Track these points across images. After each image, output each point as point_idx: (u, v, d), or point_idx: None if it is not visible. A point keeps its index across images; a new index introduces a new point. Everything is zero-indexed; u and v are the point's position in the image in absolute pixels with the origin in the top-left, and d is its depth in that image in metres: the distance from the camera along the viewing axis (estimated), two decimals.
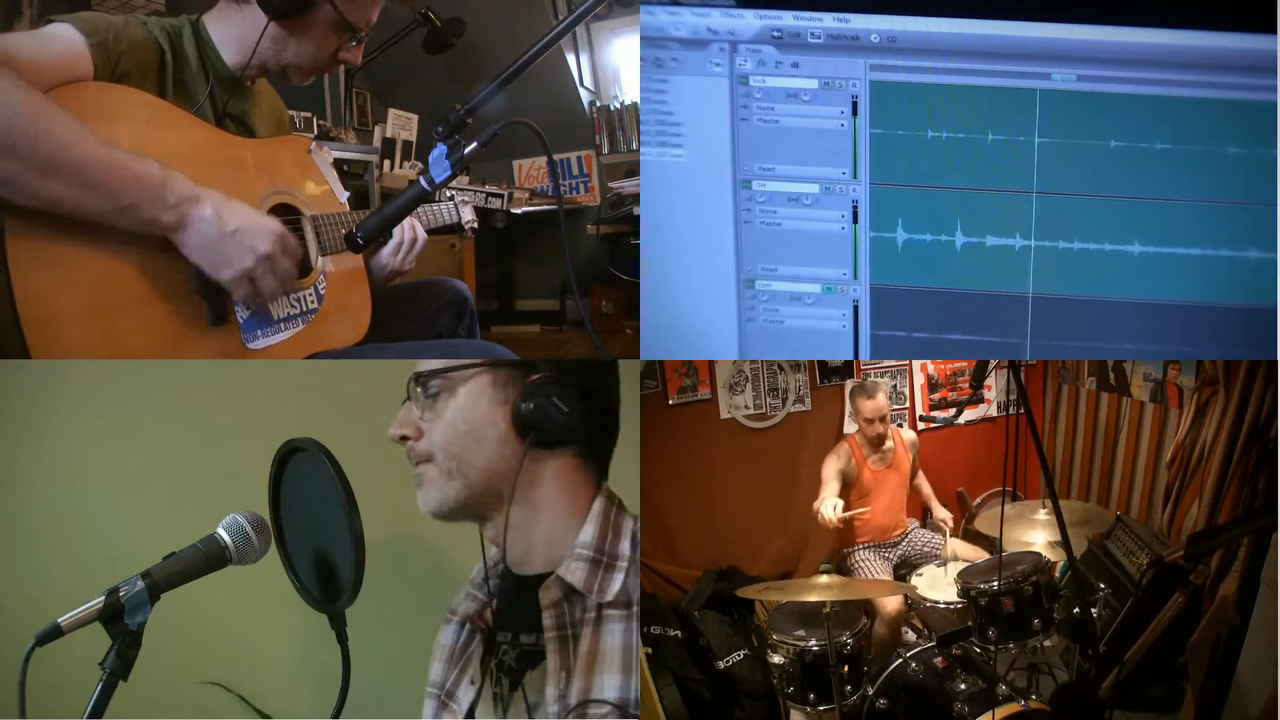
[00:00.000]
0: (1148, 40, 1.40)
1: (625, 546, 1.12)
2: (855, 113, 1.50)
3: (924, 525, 3.13)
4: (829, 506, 2.54)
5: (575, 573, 1.09)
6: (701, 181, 1.57)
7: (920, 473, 3.07)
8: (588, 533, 1.11)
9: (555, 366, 1.13)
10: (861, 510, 2.75)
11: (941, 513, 2.97)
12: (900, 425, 3.17)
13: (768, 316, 1.62)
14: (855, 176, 1.53)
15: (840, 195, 1.54)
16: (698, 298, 1.64)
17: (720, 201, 1.57)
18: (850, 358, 1.82)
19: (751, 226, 1.58)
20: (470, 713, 1.16)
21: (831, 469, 2.78)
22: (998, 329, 1.58)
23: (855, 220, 1.55)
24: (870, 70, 1.48)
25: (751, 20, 1.48)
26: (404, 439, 1.13)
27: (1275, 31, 1.36)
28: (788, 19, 1.47)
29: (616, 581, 1.09)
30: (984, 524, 2.83)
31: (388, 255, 1.80)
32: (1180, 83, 1.41)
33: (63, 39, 1.32)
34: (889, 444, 2.88)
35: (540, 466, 1.12)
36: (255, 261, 1.34)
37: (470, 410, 1.11)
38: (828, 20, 1.46)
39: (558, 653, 1.07)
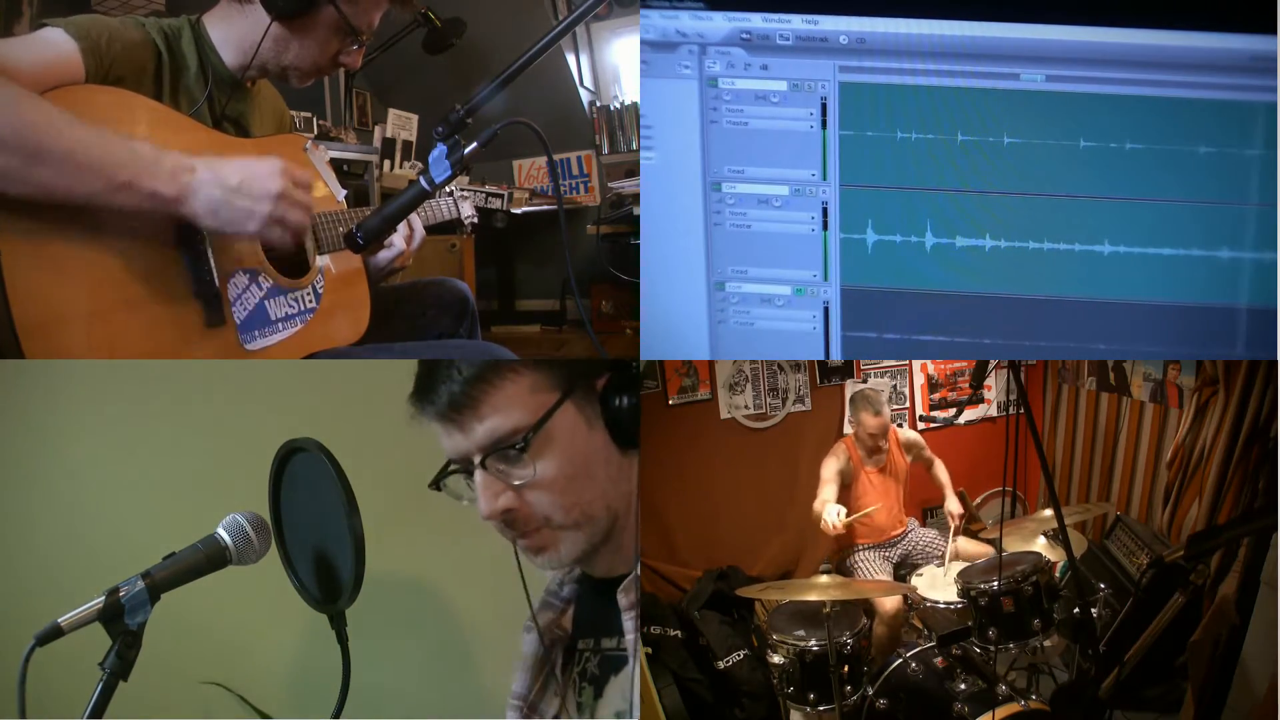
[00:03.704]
0: (1117, 40, 1.40)
1: None
2: (824, 114, 1.50)
3: (925, 524, 3.13)
4: (831, 513, 2.48)
5: None
6: (672, 183, 1.57)
7: (938, 461, 3.02)
8: None
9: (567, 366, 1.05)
10: (868, 510, 2.70)
11: (952, 505, 2.89)
12: (900, 425, 3.17)
13: (738, 319, 1.62)
14: (825, 178, 1.53)
15: (810, 197, 1.54)
16: (671, 299, 1.64)
17: (691, 204, 1.57)
18: (821, 358, 1.81)
19: (721, 229, 1.57)
20: None
21: (831, 469, 2.77)
22: (969, 330, 1.58)
23: (825, 222, 1.55)
24: (839, 72, 1.48)
25: (720, 23, 1.47)
26: (506, 513, 0.99)
27: (1246, 31, 1.36)
28: (756, 21, 1.47)
29: None
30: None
31: (385, 253, 1.80)
32: (1151, 83, 1.41)
33: (53, 43, 1.32)
34: (885, 445, 2.88)
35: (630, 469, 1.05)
36: (273, 204, 1.32)
37: (572, 447, 0.99)
38: (796, 22, 1.46)
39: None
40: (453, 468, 1.02)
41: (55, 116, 1.20)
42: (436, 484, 1.02)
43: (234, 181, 1.30)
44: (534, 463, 0.97)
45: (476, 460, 0.98)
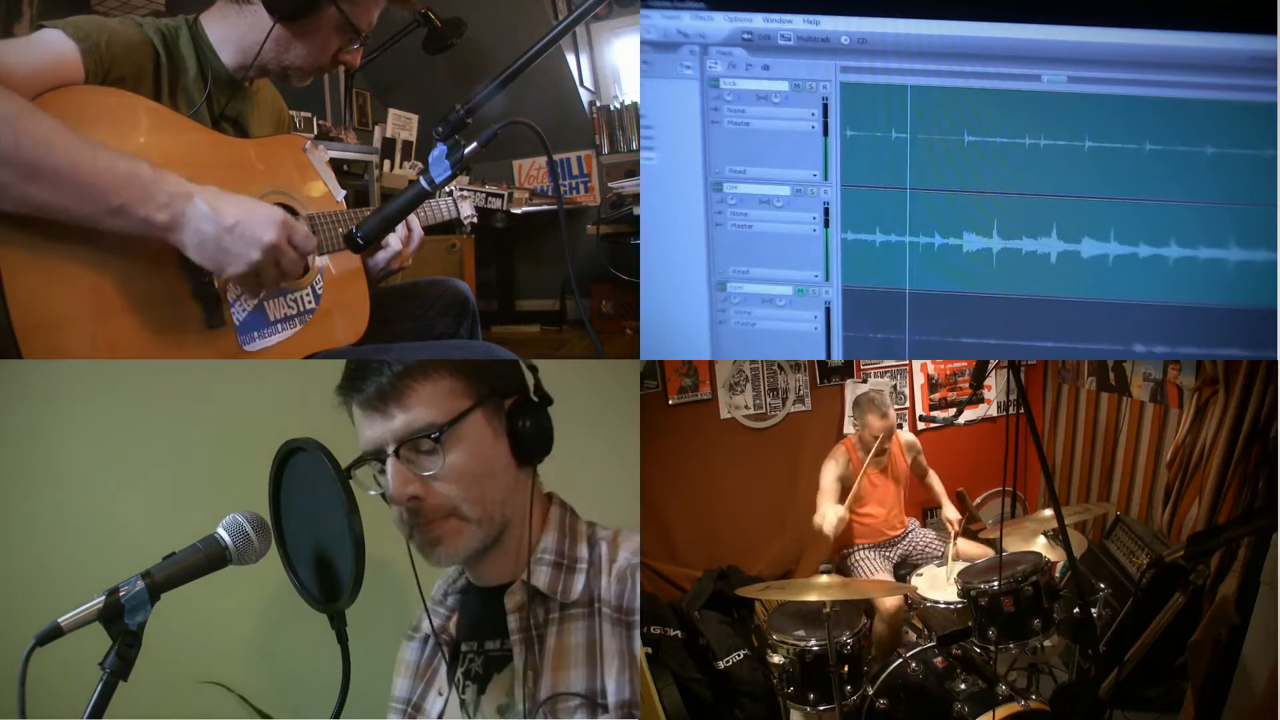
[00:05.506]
0: (1118, 41, 1.40)
1: (583, 550, 1.18)
2: (826, 115, 1.50)
3: (925, 525, 3.13)
4: (831, 515, 2.47)
5: (541, 576, 1.14)
6: (673, 183, 1.57)
7: (931, 471, 3.05)
8: (550, 539, 1.18)
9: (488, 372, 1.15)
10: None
11: (950, 512, 2.92)
12: (900, 426, 3.17)
13: (739, 319, 1.62)
14: (826, 178, 1.53)
15: (811, 197, 1.55)
16: (671, 299, 1.64)
17: (691, 204, 1.58)
18: (822, 358, 1.82)
19: (723, 229, 1.58)
20: None
21: (830, 476, 2.77)
22: (969, 330, 1.58)
23: (826, 222, 1.55)
24: (841, 72, 1.48)
25: (722, 23, 1.48)
26: (413, 500, 1.08)
27: (1246, 31, 1.36)
28: (758, 21, 1.47)
29: (579, 582, 1.15)
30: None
31: (382, 254, 1.80)
32: (1153, 83, 1.42)
33: (51, 45, 1.31)
34: (888, 446, 2.88)
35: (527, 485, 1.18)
36: (261, 254, 1.30)
37: (478, 450, 1.11)
38: (798, 22, 1.46)
39: (525, 653, 1.12)
40: (363, 459, 1.11)
41: (55, 133, 1.18)
42: (348, 471, 1.09)
43: (229, 222, 1.28)
44: (444, 456, 1.08)
45: (390, 449, 1.08)
